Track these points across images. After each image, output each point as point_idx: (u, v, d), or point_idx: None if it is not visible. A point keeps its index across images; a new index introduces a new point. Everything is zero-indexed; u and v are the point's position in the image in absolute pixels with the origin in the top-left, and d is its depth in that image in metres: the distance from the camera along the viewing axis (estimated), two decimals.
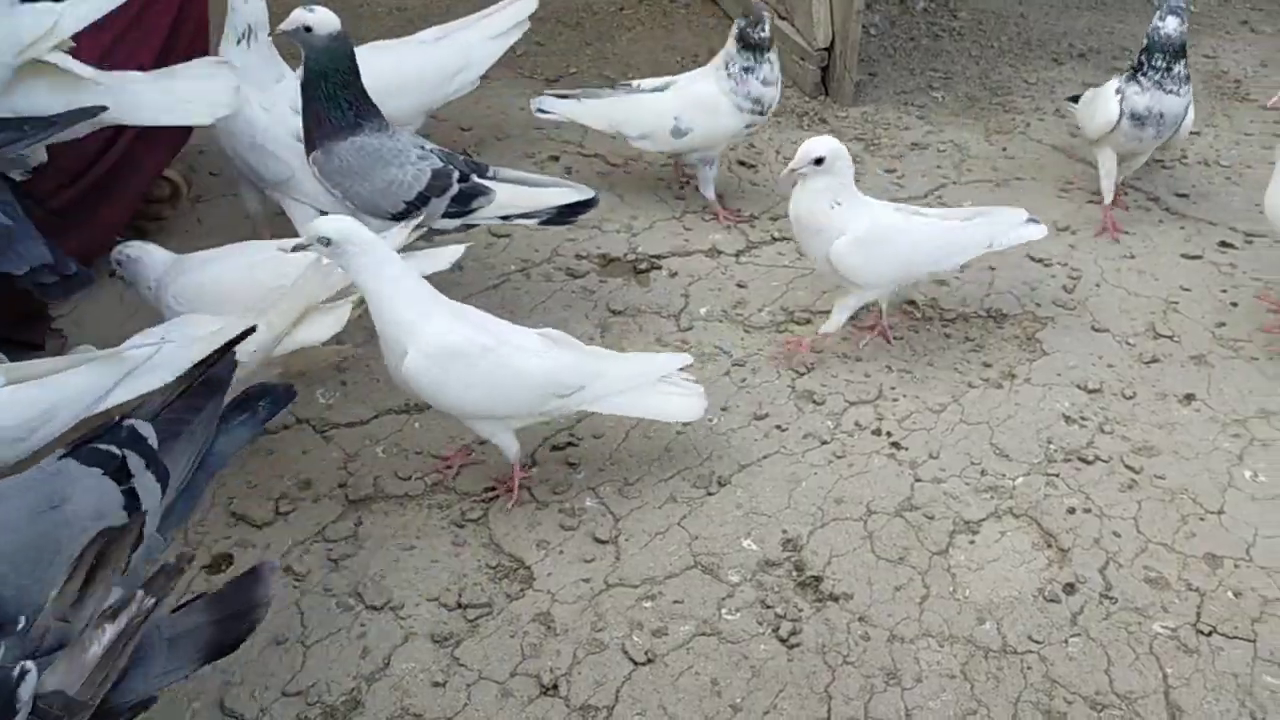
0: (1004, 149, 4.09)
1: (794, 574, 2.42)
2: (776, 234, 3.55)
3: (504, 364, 2.37)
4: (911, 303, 3.24)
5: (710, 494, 2.61)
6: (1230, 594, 2.39)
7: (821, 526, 2.53)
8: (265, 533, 2.47)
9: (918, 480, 2.66)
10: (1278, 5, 5.27)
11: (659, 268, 3.37)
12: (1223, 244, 3.55)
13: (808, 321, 3.16)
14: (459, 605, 2.32)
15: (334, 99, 2.77)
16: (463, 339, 2.34)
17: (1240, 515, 2.57)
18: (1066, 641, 2.29)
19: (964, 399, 2.91)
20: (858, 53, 4.25)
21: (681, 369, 2.57)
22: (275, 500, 2.55)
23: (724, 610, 2.34)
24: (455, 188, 2.85)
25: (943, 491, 2.63)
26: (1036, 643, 2.28)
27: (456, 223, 2.90)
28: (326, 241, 2.25)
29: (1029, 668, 2.24)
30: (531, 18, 3.70)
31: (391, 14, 4.80)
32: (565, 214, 2.94)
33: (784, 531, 2.51)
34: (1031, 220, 3.06)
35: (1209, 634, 2.30)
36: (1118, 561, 2.45)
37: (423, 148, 2.88)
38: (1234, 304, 3.27)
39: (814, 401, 2.88)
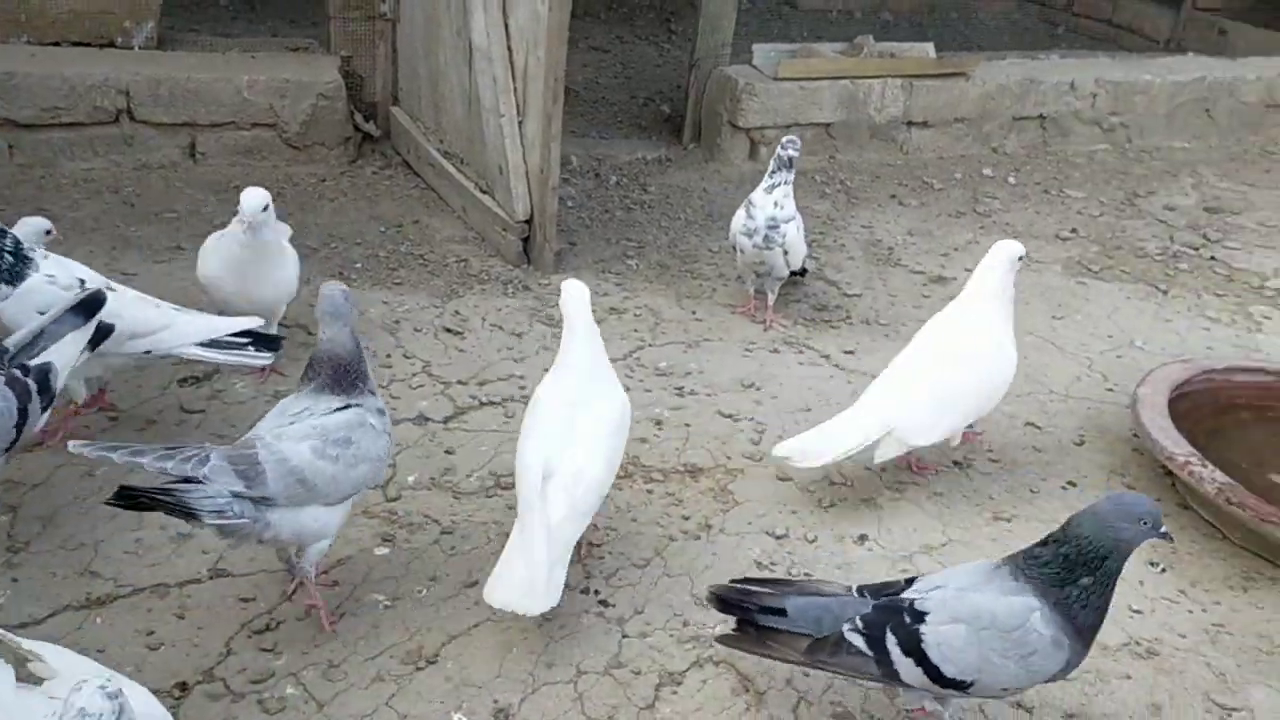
0: (694, 312, 4.40)
1: None
2: (484, 399, 3.63)
3: None
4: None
5: (419, 669, 2.58)
6: None
7: (533, 692, 2.55)
8: None
9: (625, 636, 2.74)
10: (920, 181, 6.03)
11: None
12: None
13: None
14: None
15: None
16: None
17: None
18: None
19: (666, 551, 3.05)
20: (556, 224, 4.51)
21: None
22: None
23: None
24: (32, 384, 2.66)
25: (648, 645, 2.72)
26: None
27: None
28: None
29: None
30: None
31: (77, 185, 4.62)
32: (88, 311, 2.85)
33: (495, 701, 2.51)
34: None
35: None
36: (807, 700, 2.61)
37: None
38: None
39: None
